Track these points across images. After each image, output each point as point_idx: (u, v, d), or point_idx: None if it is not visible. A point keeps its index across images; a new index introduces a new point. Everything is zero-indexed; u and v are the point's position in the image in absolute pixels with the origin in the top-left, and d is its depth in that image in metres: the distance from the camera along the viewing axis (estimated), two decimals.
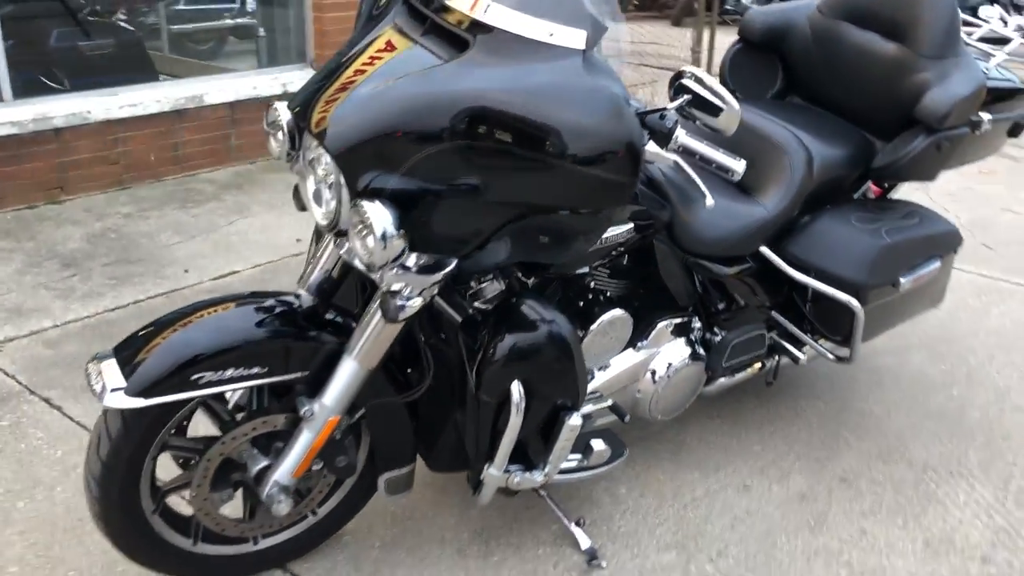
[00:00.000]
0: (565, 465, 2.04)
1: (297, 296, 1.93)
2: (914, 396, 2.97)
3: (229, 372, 1.75)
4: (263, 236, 4.12)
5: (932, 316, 3.11)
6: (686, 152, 1.66)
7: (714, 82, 1.60)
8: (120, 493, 1.81)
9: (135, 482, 1.82)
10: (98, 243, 3.96)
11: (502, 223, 1.68)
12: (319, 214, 1.77)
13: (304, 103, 1.75)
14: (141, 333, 1.81)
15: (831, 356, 2.60)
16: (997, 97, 2.60)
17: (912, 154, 2.45)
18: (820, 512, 2.38)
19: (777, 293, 2.56)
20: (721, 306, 2.46)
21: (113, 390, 1.69)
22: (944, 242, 2.62)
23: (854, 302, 2.38)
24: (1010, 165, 5.78)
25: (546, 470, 1.97)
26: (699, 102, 1.62)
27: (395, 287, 1.69)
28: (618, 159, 1.60)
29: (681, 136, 1.65)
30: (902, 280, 2.48)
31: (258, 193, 4.69)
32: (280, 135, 1.87)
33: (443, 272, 1.71)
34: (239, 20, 5.86)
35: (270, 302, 1.89)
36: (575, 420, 1.91)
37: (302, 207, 2.00)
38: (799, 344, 2.59)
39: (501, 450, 1.87)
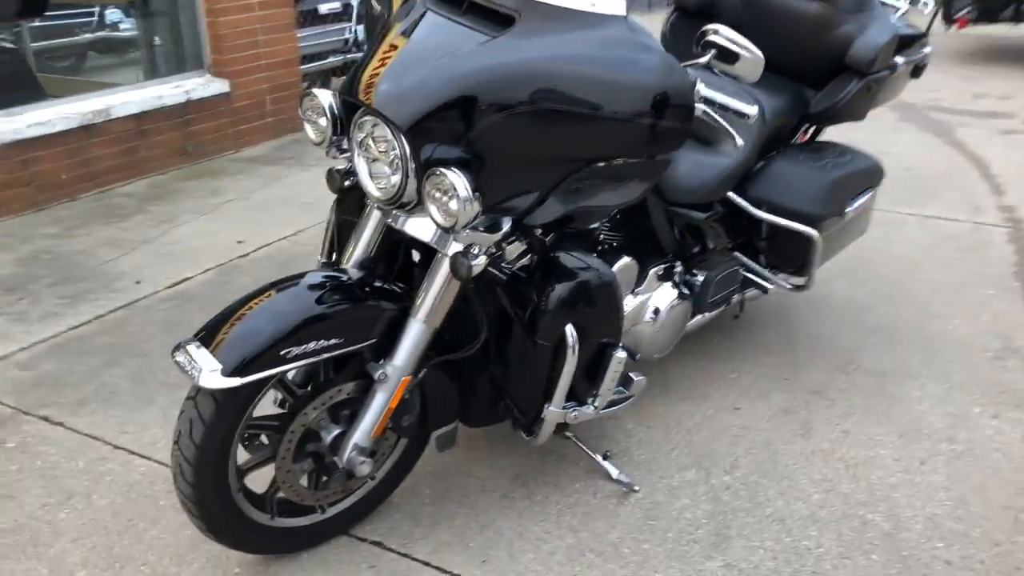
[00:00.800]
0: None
1: (343, 271, 2.06)
2: (851, 317, 3.32)
3: (312, 345, 1.86)
4: (202, 242, 4.12)
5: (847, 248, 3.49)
6: (706, 102, 1.89)
7: (737, 35, 1.84)
8: (214, 476, 1.90)
9: (225, 463, 1.91)
10: (34, 266, 3.88)
11: (564, 178, 1.87)
12: (376, 190, 1.90)
13: (358, 84, 1.87)
14: (217, 319, 1.89)
15: (788, 286, 2.90)
16: (904, 43, 2.96)
17: (847, 97, 2.79)
18: (805, 421, 2.69)
19: (739, 234, 2.85)
20: (696, 250, 2.72)
21: (211, 371, 1.77)
22: (873, 175, 2.97)
23: (813, 232, 2.69)
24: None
25: (596, 403, 2.17)
26: (724, 54, 1.85)
27: (464, 247, 1.85)
28: (675, 108, 1.81)
29: (702, 89, 1.88)
30: (847, 210, 2.81)
31: (181, 201, 4.66)
32: (323, 121, 1.99)
33: (503, 231, 1.88)
34: (125, 33, 5.74)
35: (324, 279, 2.00)
36: (621, 354, 2.12)
37: (338, 189, 2.13)
38: (763, 278, 2.89)
39: (559, 390, 2.06)
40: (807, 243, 2.73)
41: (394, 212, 1.99)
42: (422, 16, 1.92)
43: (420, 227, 1.97)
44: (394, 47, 1.89)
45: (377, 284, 2.05)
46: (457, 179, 1.72)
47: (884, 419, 2.69)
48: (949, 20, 7.86)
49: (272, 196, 4.71)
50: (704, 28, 1.90)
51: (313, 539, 2.18)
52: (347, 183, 2.11)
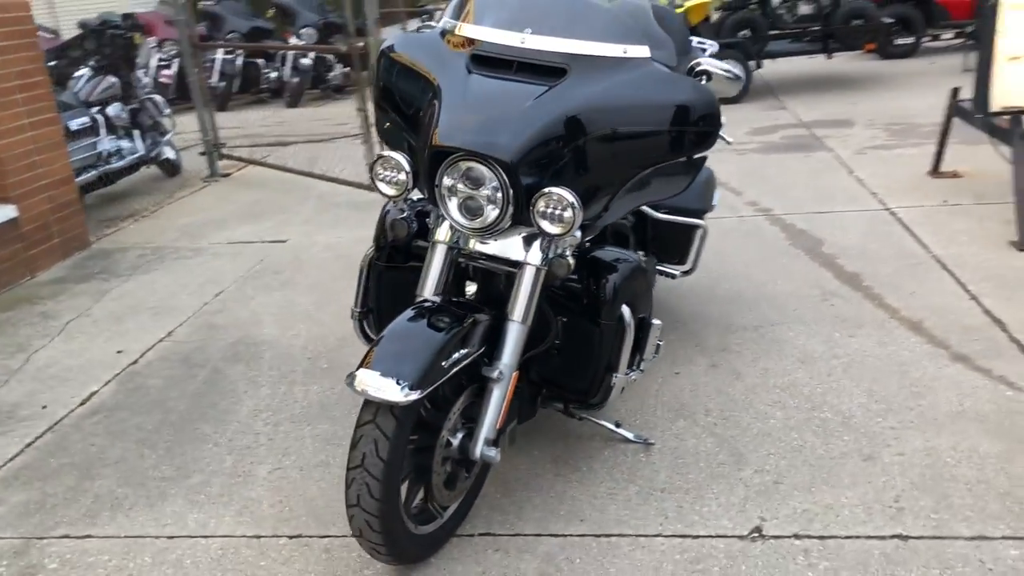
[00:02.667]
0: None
1: (429, 300, 2.41)
2: (707, 294, 4.11)
3: (455, 356, 2.21)
4: (78, 360, 4.02)
5: None
6: None
7: (722, 63, 2.49)
8: (396, 490, 2.17)
9: (399, 476, 2.19)
10: None
11: (627, 182, 2.38)
12: (470, 222, 2.30)
13: (448, 138, 2.26)
14: (371, 352, 2.17)
15: (679, 273, 3.60)
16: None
17: None
18: (732, 369, 3.38)
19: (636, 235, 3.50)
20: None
21: (400, 388, 2.07)
22: (712, 176, 3.78)
23: (703, 223, 3.41)
24: None
25: (642, 366, 2.69)
26: (713, 77, 2.49)
27: (546, 254, 2.31)
28: (705, 116, 2.38)
29: None
30: (714, 203, 3.59)
31: (15, 330, 4.44)
32: (403, 176, 2.35)
33: (579, 233, 2.36)
34: None
35: (424, 308, 2.35)
36: (657, 322, 2.66)
37: (405, 234, 2.48)
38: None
39: (623, 359, 2.55)
40: (693, 234, 3.44)
41: (479, 240, 2.38)
42: (468, 78, 2.35)
43: (500, 247, 2.38)
44: (459, 107, 2.30)
45: (460, 302, 2.42)
46: (568, 194, 2.18)
47: (782, 355, 3.45)
48: None
49: (113, 308, 4.63)
50: (694, 61, 2.53)
51: (440, 542, 2.46)
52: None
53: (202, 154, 7.69)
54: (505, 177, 2.22)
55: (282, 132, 9.29)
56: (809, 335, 3.60)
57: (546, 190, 2.20)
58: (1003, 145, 4.69)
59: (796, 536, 2.42)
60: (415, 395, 2.08)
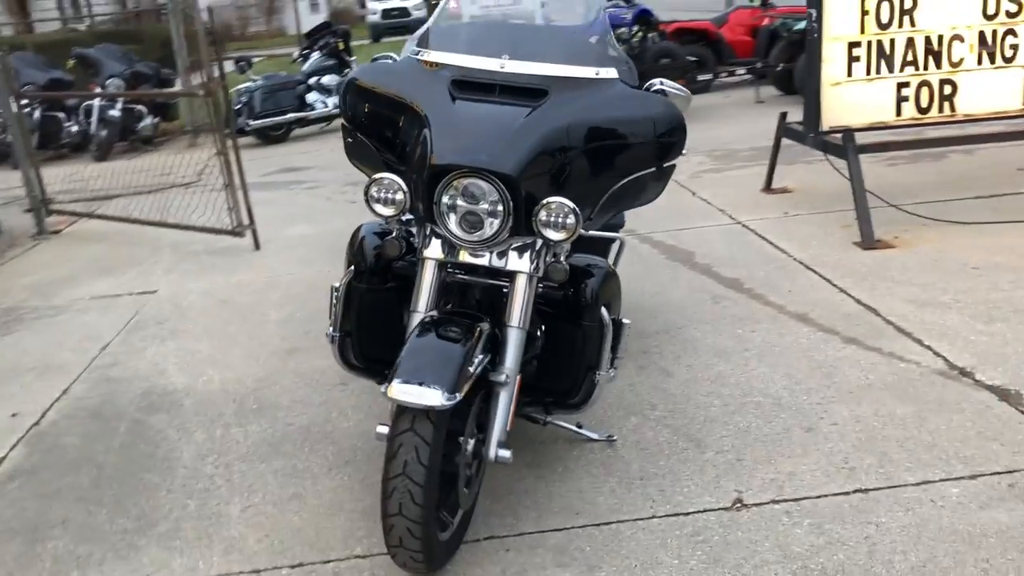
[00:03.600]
0: None
1: (429, 315, 2.51)
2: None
3: (475, 361, 2.32)
4: None
5: None
6: None
7: (674, 83, 2.75)
8: (434, 495, 2.24)
9: (437, 482, 2.26)
10: None
11: (609, 191, 2.58)
12: (469, 236, 2.42)
13: (447, 159, 2.37)
14: (397, 368, 2.24)
15: None
16: None
17: None
18: (660, 368, 3.63)
19: None
20: None
21: (438, 394, 2.16)
22: None
23: (620, 236, 3.68)
24: None
25: (616, 364, 2.88)
26: (667, 95, 2.75)
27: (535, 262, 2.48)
28: (673, 128, 2.62)
29: None
30: (624, 219, 3.87)
31: None
32: (399, 196, 2.44)
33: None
34: None
35: (429, 323, 2.44)
36: (628, 322, 2.87)
37: (397, 253, 2.56)
38: None
39: (604, 357, 2.73)
40: (611, 247, 3.70)
41: (472, 253, 2.50)
42: (455, 102, 2.49)
43: (492, 259, 2.52)
44: (454, 128, 2.43)
45: (464, 312, 2.53)
46: (568, 202, 2.36)
47: (699, 352, 3.76)
48: None
49: None
50: (649, 83, 2.77)
51: (455, 549, 2.53)
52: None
53: (28, 211, 7.23)
54: (506, 190, 2.36)
55: (102, 186, 8.85)
56: (716, 333, 3.93)
57: (546, 200, 2.37)
58: (837, 159, 5.30)
59: (774, 501, 2.69)
60: (456, 398, 2.18)
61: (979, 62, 5.08)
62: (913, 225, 5.04)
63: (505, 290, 2.58)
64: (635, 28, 10.05)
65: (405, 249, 2.63)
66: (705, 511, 2.67)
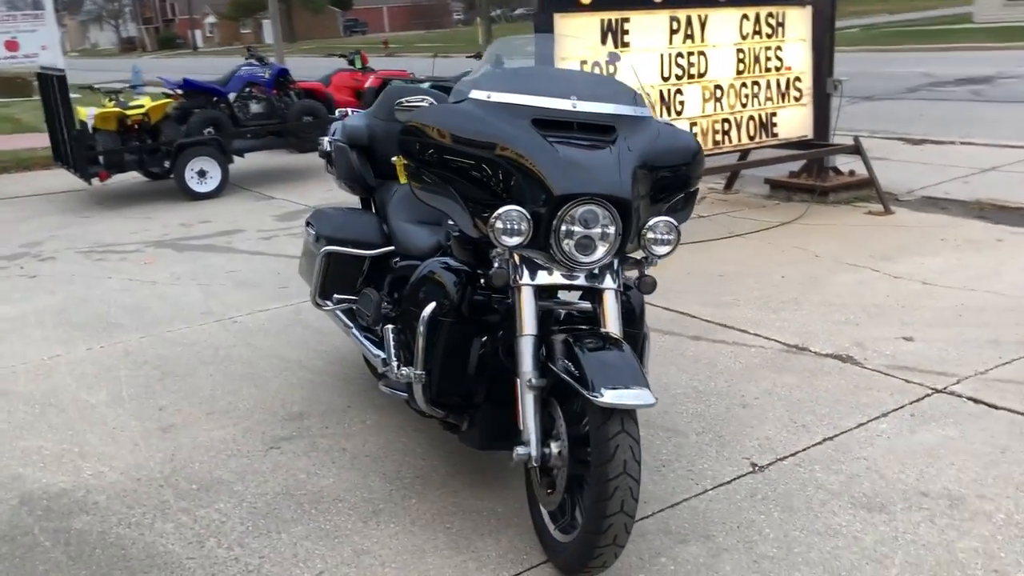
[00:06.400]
0: None
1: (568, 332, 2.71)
2: None
3: None
4: None
5: None
6: None
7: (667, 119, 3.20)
8: None
9: None
10: None
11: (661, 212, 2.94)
12: (583, 259, 2.67)
13: (573, 189, 2.60)
14: (586, 381, 2.43)
15: None
16: None
17: None
18: None
19: None
20: None
21: (646, 392, 2.41)
22: None
23: None
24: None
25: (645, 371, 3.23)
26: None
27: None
28: (699, 153, 3.00)
29: None
30: None
31: None
32: (524, 225, 2.61)
33: None
34: None
35: (568, 338, 2.64)
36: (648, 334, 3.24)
37: (504, 284, 2.71)
38: None
39: (645, 365, 3.09)
40: None
41: (568, 276, 2.74)
42: (544, 139, 2.71)
43: (582, 280, 2.77)
44: (562, 161, 2.65)
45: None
46: (672, 220, 2.74)
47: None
48: (88, 176, 8.71)
49: None
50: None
51: None
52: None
53: None
54: (617, 214, 2.66)
55: None
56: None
57: (653, 221, 2.72)
58: None
59: (779, 459, 3.29)
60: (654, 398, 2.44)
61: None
62: None
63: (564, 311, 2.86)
64: (274, 88, 10.10)
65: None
66: (737, 478, 3.18)
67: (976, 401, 3.64)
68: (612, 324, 2.75)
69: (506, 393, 2.91)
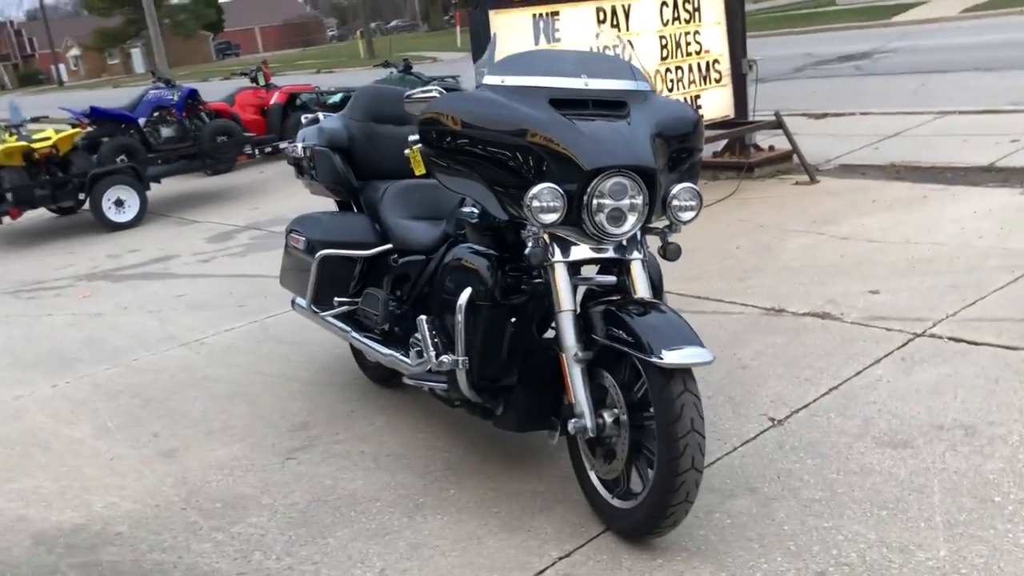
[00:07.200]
0: None
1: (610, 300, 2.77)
2: None
3: None
4: None
5: None
6: None
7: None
8: None
9: None
10: None
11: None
12: (614, 231, 2.72)
13: (605, 159, 2.65)
14: (642, 344, 2.49)
15: None
16: None
17: None
18: None
19: None
20: None
21: (704, 351, 2.49)
22: None
23: None
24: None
25: None
26: None
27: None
28: (699, 122, 3.05)
29: None
30: None
31: None
32: (558, 203, 2.65)
33: None
34: None
35: (611, 308, 2.70)
36: None
37: (541, 259, 2.74)
38: None
39: None
40: None
41: (598, 249, 2.79)
42: (564, 116, 2.76)
43: (611, 252, 2.83)
44: (587, 137, 2.70)
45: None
46: (694, 186, 2.82)
47: None
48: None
49: None
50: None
51: None
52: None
53: None
54: (645, 185, 2.73)
55: None
56: None
57: (677, 188, 2.80)
58: None
59: (794, 411, 3.41)
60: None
61: None
62: None
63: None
64: (184, 110, 9.85)
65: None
66: (763, 432, 3.29)
67: (957, 340, 3.85)
68: (643, 292, 2.82)
69: (537, 374, 2.96)
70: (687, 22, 7.12)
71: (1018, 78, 11.45)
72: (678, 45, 7.09)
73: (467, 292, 2.88)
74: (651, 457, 2.61)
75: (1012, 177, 6.57)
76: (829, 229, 5.78)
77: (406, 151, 3.15)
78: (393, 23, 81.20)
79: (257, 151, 10.76)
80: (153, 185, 9.21)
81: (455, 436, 3.54)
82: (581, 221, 2.70)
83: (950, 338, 3.88)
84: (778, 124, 7.52)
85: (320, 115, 4.18)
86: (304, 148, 4.05)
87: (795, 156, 7.57)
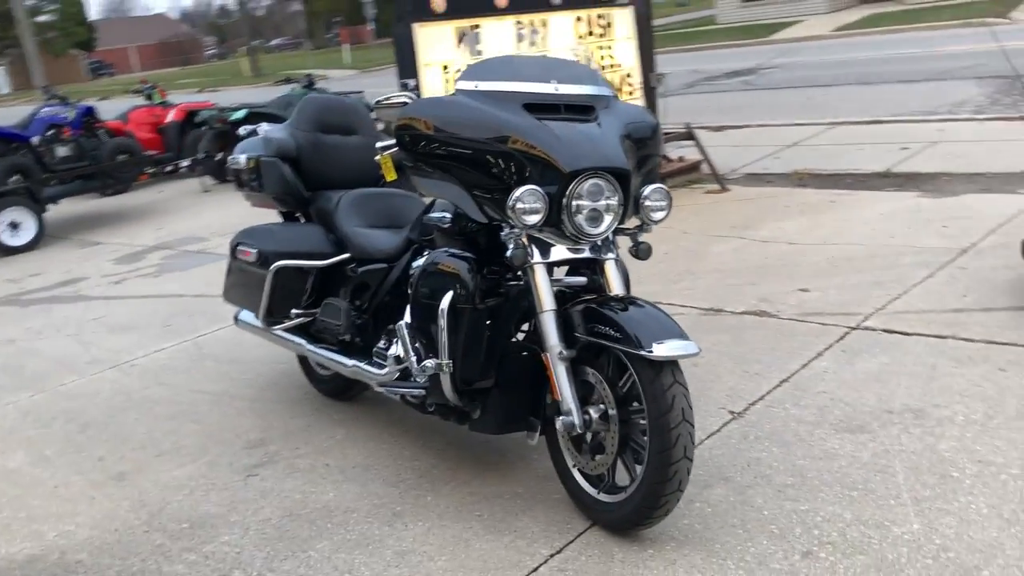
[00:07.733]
0: None
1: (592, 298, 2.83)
2: None
3: None
4: None
5: None
6: None
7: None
8: None
9: None
10: None
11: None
12: (592, 231, 2.79)
13: (581, 161, 2.71)
14: (630, 339, 2.56)
15: None
16: None
17: None
18: None
19: None
20: None
21: (688, 342, 2.57)
22: None
23: None
24: None
25: None
26: None
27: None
28: (657, 127, 3.15)
29: None
30: None
31: None
32: (540, 204, 2.69)
33: None
34: None
35: (593, 306, 2.76)
36: None
37: (523, 260, 2.79)
38: None
39: None
40: None
41: (575, 250, 2.85)
42: (538, 120, 2.81)
43: (587, 252, 2.89)
44: (562, 140, 2.76)
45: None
46: (664, 187, 2.91)
47: None
48: None
49: None
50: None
51: None
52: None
53: None
54: (620, 186, 2.81)
55: None
56: None
57: (648, 189, 2.88)
58: None
59: (751, 404, 3.54)
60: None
61: None
62: None
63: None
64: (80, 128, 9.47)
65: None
66: (725, 424, 3.40)
67: (890, 332, 4.07)
68: (618, 290, 2.90)
69: (513, 375, 2.99)
70: (601, 36, 7.30)
71: (892, 91, 12.16)
72: (590, 60, 7.24)
73: (448, 296, 2.89)
74: (639, 450, 2.68)
75: (907, 182, 6.97)
76: (749, 233, 6.01)
77: (376, 157, 3.13)
78: (275, 41, 79.96)
79: (155, 170, 10.44)
80: (49, 207, 8.82)
81: (420, 445, 3.53)
82: (561, 222, 2.75)
83: (883, 330, 4.10)
84: (689, 135, 7.78)
85: (262, 127, 4.10)
86: (248, 159, 3.97)
87: (704, 166, 7.85)
